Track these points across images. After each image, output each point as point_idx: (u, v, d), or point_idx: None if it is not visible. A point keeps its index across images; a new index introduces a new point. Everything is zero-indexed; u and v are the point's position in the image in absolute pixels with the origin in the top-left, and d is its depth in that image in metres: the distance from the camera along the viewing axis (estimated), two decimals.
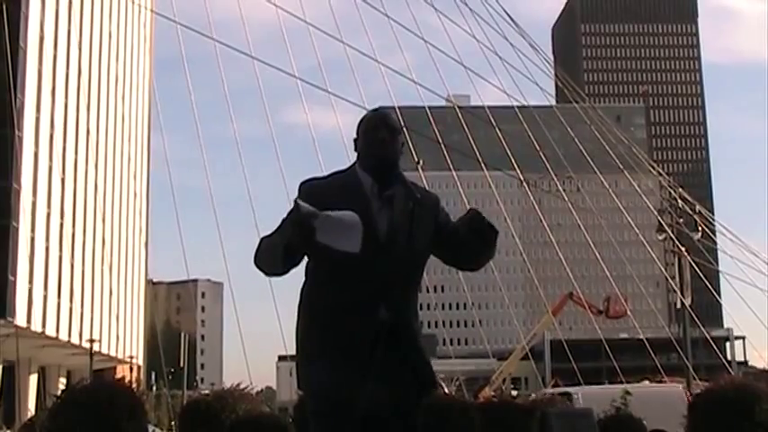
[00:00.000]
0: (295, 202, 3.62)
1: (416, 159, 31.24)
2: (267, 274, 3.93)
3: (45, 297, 55.31)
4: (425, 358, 3.96)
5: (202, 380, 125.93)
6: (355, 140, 4.06)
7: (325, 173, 4.11)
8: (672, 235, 35.88)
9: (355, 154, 4.10)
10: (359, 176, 3.94)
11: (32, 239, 53.70)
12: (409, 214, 3.92)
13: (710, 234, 45.06)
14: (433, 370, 4.00)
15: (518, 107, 42.10)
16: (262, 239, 3.90)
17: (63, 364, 63.16)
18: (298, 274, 4.04)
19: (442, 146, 38.02)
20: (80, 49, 61.79)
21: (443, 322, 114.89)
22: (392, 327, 3.82)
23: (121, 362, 68.81)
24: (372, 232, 3.81)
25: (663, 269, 63.01)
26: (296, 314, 4.04)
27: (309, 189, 3.89)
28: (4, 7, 36.51)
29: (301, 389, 3.96)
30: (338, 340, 3.78)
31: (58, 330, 57.01)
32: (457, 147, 44.32)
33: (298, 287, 4.09)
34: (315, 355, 3.85)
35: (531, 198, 71.15)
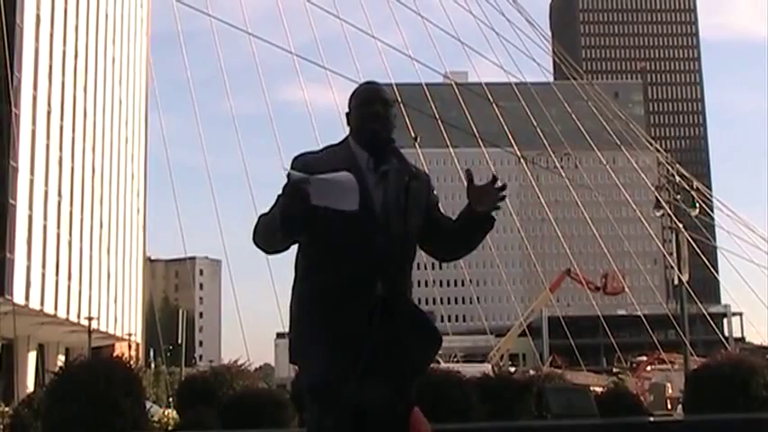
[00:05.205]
0: (287, 173, 3.56)
1: (413, 135, 31.20)
2: (267, 251, 3.87)
3: (43, 275, 55.32)
4: (425, 331, 3.88)
5: (201, 357, 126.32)
6: (347, 114, 4.01)
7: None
8: (669, 211, 35.90)
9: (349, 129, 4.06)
10: (353, 150, 3.90)
11: (30, 217, 53.68)
12: (404, 189, 3.86)
13: (708, 210, 45.09)
14: (438, 332, 3.92)
15: (516, 84, 41.98)
16: (260, 217, 3.84)
17: (62, 341, 63.27)
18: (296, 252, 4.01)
19: (440, 122, 37.97)
20: (77, 31, 61.58)
21: (441, 299, 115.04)
22: (386, 302, 3.77)
23: (120, 339, 68.92)
24: (368, 207, 3.76)
25: (660, 245, 63.06)
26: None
27: (304, 163, 3.81)
28: None
29: (295, 364, 3.93)
30: (332, 317, 3.73)
31: (56, 308, 57.07)
32: (454, 123, 44.23)
33: None
34: (308, 332, 3.80)
35: (529, 175, 71.08)
